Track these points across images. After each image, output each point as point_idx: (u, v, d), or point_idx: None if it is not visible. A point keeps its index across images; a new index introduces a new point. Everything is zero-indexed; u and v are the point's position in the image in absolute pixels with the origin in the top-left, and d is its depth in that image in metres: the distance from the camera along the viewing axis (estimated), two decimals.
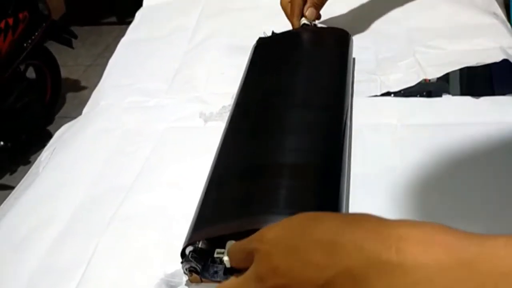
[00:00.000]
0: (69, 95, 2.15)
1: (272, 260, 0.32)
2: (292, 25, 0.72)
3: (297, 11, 0.71)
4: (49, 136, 2.02)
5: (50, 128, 1.99)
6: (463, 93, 0.63)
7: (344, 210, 0.48)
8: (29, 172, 0.65)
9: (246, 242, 0.37)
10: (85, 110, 0.74)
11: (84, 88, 2.18)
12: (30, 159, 1.85)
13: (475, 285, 0.26)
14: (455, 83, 0.64)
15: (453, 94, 0.63)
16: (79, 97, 2.13)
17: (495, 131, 0.57)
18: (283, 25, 0.74)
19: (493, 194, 0.51)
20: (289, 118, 0.57)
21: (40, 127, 1.97)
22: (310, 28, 0.72)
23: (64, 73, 2.11)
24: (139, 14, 0.94)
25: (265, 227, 0.35)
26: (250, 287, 0.34)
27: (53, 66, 2.03)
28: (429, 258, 0.27)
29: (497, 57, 0.63)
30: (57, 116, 2.05)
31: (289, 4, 0.72)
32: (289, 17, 0.72)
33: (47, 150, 0.68)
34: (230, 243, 0.45)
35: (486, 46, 0.68)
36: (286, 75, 0.63)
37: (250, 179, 0.50)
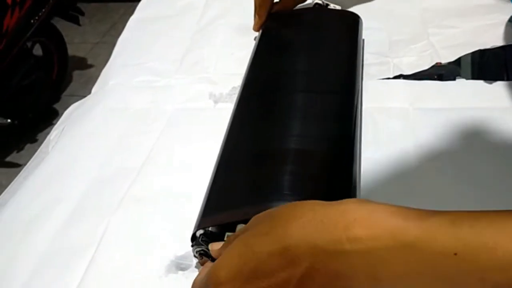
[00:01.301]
0: (76, 73, 2.14)
1: None
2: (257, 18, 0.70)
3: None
4: (56, 114, 2.04)
5: (56, 106, 1.99)
6: (475, 77, 0.62)
7: (356, 196, 0.48)
8: (38, 151, 0.65)
9: (202, 285, 0.38)
10: (94, 89, 0.73)
11: (91, 66, 2.17)
12: (37, 137, 1.85)
13: (417, 265, 0.29)
14: (467, 67, 0.63)
15: (465, 78, 0.62)
16: (86, 75, 2.13)
17: (508, 116, 0.56)
18: None
19: (505, 178, 0.50)
20: (298, 102, 0.56)
21: (47, 105, 1.97)
22: (320, 9, 0.71)
23: (70, 51, 2.10)
24: None
25: (214, 266, 0.36)
26: None
27: (60, 43, 2.02)
28: (378, 243, 0.30)
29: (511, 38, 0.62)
30: (63, 94, 2.04)
31: None
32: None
33: (56, 129, 0.68)
34: (240, 227, 0.45)
35: (500, 20, 0.67)
36: (295, 58, 0.62)
37: (260, 164, 0.50)
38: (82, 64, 2.18)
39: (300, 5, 0.73)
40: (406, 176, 0.52)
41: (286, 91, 0.58)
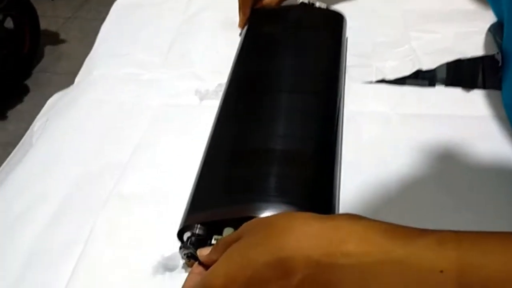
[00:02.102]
0: (48, 48, 2.09)
1: None
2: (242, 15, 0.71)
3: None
4: (27, 90, 1.99)
5: (28, 82, 1.94)
6: (451, 84, 0.64)
7: (337, 199, 0.50)
8: (21, 142, 0.65)
9: None
10: (77, 79, 0.73)
11: (63, 41, 2.12)
12: (7, 114, 1.81)
13: (405, 279, 0.31)
14: (444, 73, 0.65)
15: (444, 85, 0.64)
16: (57, 51, 2.08)
17: (485, 125, 0.59)
18: None
19: (481, 185, 0.53)
20: (283, 102, 0.57)
21: (18, 81, 1.93)
22: (305, 7, 0.72)
23: (42, 25, 2.04)
24: None
25: (208, 273, 0.37)
26: None
27: (32, 17, 1.96)
28: (369, 258, 0.32)
29: (491, 48, 0.64)
30: (34, 70, 1.99)
31: None
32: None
33: (39, 119, 0.67)
34: (227, 230, 0.46)
35: (480, 28, 0.68)
36: (280, 58, 0.63)
37: (245, 164, 0.51)
38: (54, 39, 2.13)
39: (285, 2, 0.74)
40: (385, 182, 0.54)
41: (270, 91, 0.59)
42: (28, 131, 0.65)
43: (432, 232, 0.32)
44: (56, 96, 0.70)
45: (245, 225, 0.39)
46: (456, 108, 0.61)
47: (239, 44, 0.67)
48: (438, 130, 0.59)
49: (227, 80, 0.62)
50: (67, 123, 0.63)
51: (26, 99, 1.90)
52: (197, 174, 0.52)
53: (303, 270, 0.33)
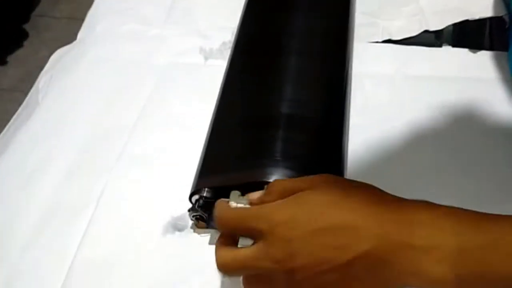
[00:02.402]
0: None
1: (290, 245, 0.33)
2: None
3: None
4: (26, 34, 1.96)
5: (26, 26, 1.91)
6: (457, 45, 0.64)
7: (345, 162, 0.51)
8: (27, 98, 0.65)
9: (249, 219, 0.36)
10: (80, 35, 0.72)
11: None
12: (7, 59, 1.79)
13: (475, 265, 0.30)
14: (450, 34, 0.65)
15: (451, 45, 0.64)
16: None
17: (491, 88, 0.59)
18: None
19: (486, 149, 0.54)
20: (291, 65, 0.57)
21: (16, 24, 1.90)
22: None
23: None
24: None
25: (272, 207, 0.35)
26: (265, 267, 0.34)
27: None
28: (439, 241, 0.31)
29: (500, 9, 0.63)
30: (33, 14, 1.95)
31: None
32: None
33: (43, 76, 0.67)
34: (234, 193, 0.48)
35: None
36: (287, 17, 0.62)
37: (253, 129, 0.52)
38: None
39: None
40: (391, 145, 0.55)
41: (277, 54, 0.58)
42: (33, 88, 0.66)
43: (505, 221, 0.32)
44: (59, 52, 0.70)
45: (317, 178, 0.37)
46: (462, 70, 0.61)
47: (244, 3, 0.66)
48: (444, 91, 0.59)
49: (233, 42, 0.62)
50: (72, 82, 0.64)
51: (25, 43, 1.88)
52: (206, 139, 0.53)
53: (368, 244, 0.32)
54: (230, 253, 0.36)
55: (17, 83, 1.78)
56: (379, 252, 0.32)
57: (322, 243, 0.33)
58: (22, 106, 0.64)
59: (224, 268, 0.36)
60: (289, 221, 0.34)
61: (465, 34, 0.64)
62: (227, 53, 0.64)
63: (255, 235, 0.35)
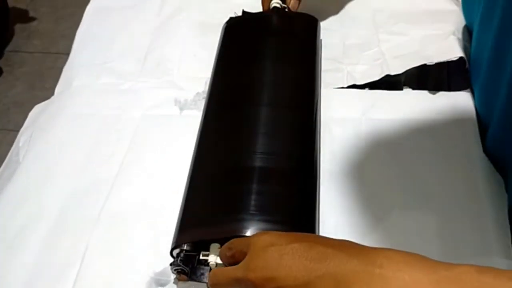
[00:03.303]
0: (18, 27, 2.05)
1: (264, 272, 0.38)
2: (263, 7, 0.74)
3: None
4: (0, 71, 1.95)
5: (0, 63, 1.92)
6: (418, 87, 0.68)
7: (317, 212, 0.54)
8: (7, 159, 0.67)
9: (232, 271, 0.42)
10: (57, 90, 0.74)
11: (32, 19, 2.08)
12: None
13: None
14: (412, 77, 0.69)
15: (411, 88, 0.68)
16: (28, 29, 2.04)
17: (453, 126, 0.63)
18: None
19: (451, 184, 0.57)
20: (262, 117, 0.60)
21: None
22: (280, 13, 0.73)
23: (10, 3, 2.00)
24: None
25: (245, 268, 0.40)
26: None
27: None
28: (406, 274, 0.34)
29: (455, 51, 0.67)
30: (6, 49, 1.96)
31: None
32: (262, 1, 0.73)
33: (23, 134, 0.69)
34: (213, 246, 0.50)
35: (446, 31, 0.72)
36: (257, 69, 0.66)
37: (229, 182, 0.55)
38: (23, 17, 2.09)
39: None
40: (360, 189, 0.58)
41: (249, 106, 0.61)
42: (13, 147, 0.67)
43: (462, 265, 0.34)
44: (37, 109, 0.72)
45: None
46: (422, 111, 0.65)
47: (216, 52, 0.69)
48: (405, 133, 0.62)
49: (207, 94, 0.65)
50: (52, 139, 0.66)
51: (0, 80, 1.89)
52: (184, 193, 0.55)
53: (336, 267, 0.36)
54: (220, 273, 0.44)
55: None
56: (344, 276, 0.35)
57: (292, 264, 0.37)
58: (2, 167, 0.66)
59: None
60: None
61: (425, 76, 0.69)
62: (201, 103, 0.67)
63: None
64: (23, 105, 1.73)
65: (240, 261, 0.42)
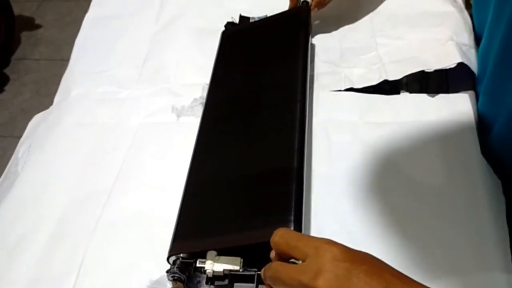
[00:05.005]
0: (24, 34, 2.07)
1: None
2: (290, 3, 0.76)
3: None
4: (6, 79, 1.97)
5: (6, 70, 1.93)
6: (418, 91, 0.67)
7: (303, 212, 0.53)
8: (7, 169, 0.67)
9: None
10: (56, 99, 0.75)
11: (38, 26, 2.10)
12: None
13: None
14: (411, 83, 0.68)
15: (409, 92, 0.68)
16: (34, 36, 2.06)
17: (451, 128, 0.62)
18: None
19: (447, 188, 0.57)
20: (257, 122, 0.61)
21: None
22: (277, 16, 0.74)
23: (16, 10, 2.02)
24: None
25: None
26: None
27: (5, 3, 1.94)
28: None
29: (453, 57, 0.67)
30: (13, 57, 1.98)
31: None
32: None
33: (22, 144, 0.69)
34: (211, 253, 0.51)
35: (444, 36, 0.71)
36: (253, 74, 0.66)
37: (225, 191, 0.55)
38: (30, 24, 2.10)
39: None
40: (356, 192, 0.57)
41: (246, 111, 0.62)
42: (13, 158, 0.68)
43: None
44: (36, 118, 0.73)
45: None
46: (420, 114, 0.65)
47: (214, 61, 0.70)
48: (402, 136, 0.62)
49: (205, 102, 0.65)
50: (50, 149, 0.66)
51: (6, 88, 1.90)
52: (181, 201, 0.56)
53: None
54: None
55: (1, 128, 1.80)
56: None
57: None
58: (2, 178, 0.67)
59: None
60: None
61: (423, 80, 0.68)
62: (198, 109, 0.67)
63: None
64: (30, 112, 1.73)
65: (295, 258, 0.42)
